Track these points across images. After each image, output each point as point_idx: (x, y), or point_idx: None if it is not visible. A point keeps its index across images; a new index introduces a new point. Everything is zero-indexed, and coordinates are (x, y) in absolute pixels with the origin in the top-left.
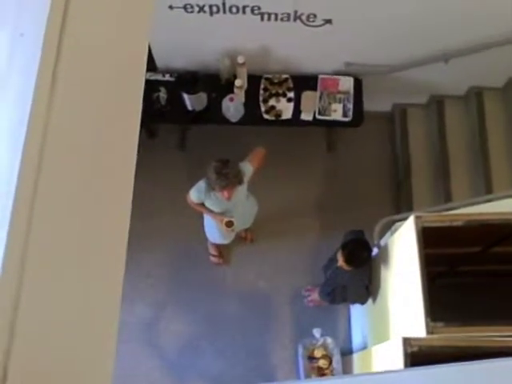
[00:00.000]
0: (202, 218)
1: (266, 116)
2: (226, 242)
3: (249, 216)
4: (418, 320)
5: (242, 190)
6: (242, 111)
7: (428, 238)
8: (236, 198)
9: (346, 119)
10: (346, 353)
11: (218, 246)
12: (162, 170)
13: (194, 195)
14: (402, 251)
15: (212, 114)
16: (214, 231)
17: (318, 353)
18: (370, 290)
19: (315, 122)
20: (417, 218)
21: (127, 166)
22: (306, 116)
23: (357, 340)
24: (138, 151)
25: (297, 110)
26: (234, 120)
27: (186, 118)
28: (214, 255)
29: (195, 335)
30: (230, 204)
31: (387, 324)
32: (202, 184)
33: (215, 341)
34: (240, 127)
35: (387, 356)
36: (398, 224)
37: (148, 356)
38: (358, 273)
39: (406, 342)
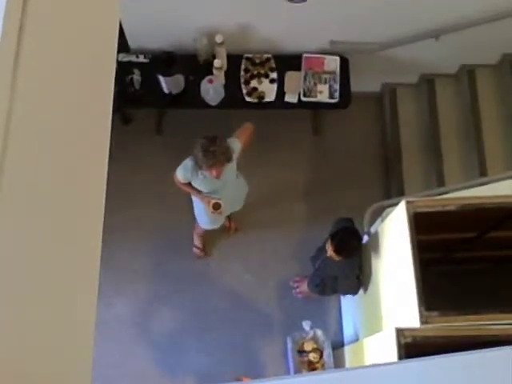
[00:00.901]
0: (184, 205)
1: (247, 98)
2: (215, 226)
3: (239, 197)
4: (412, 309)
5: (231, 169)
6: (221, 94)
7: (420, 224)
8: (225, 177)
9: (333, 101)
10: (338, 346)
11: (203, 237)
12: (138, 156)
13: (181, 174)
14: (394, 238)
15: (190, 97)
16: (203, 215)
17: (307, 346)
18: (361, 279)
19: (300, 104)
20: (408, 203)
21: (100, 153)
22: (290, 98)
23: (348, 332)
24: (112, 138)
25: (280, 92)
26: (213, 103)
27: (163, 101)
28: (197, 247)
29: (180, 331)
30: (219, 183)
31: (379, 314)
32: (188, 162)
33: (201, 336)
34: (220, 111)
35: (380, 348)
36: (388, 210)
37: (130, 354)
38: (349, 263)
39: (400, 332)
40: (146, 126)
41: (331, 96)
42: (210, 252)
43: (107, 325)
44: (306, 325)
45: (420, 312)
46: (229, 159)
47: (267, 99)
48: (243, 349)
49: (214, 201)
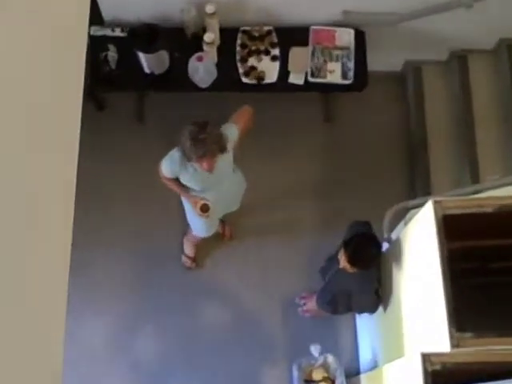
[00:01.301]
0: (171, 204)
1: (244, 79)
2: (211, 233)
3: (236, 195)
4: (441, 330)
5: (226, 160)
6: (213, 74)
7: (451, 229)
8: (220, 171)
9: (346, 82)
10: (352, 374)
11: (196, 246)
12: (115, 148)
13: (167, 168)
14: (419, 245)
15: (176, 77)
16: (197, 220)
17: (317, 375)
18: (381, 295)
19: (307, 86)
20: (436, 203)
21: (68, 146)
22: (295, 79)
23: (365, 357)
24: (84, 127)
25: (284, 72)
26: (203, 85)
27: (143, 83)
28: (188, 257)
29: (164, 355)
30: (213, 179)
31: (402, 336)
32: (175, 153)
33: (189, 361)
34: (212, 94)
35: (403, 376)
36: (412, 212)
37: (106, 381)
38: (365, 275)
39: (426, 358)
40: (124, 112)
41: (344, 76)
42: (202, 263)
43: (80, 345)
44: (315, 349)
45: (450, 333)
46: (222, 149)
47: (268, 80)
48: (240, 378)
49: (202, 201)
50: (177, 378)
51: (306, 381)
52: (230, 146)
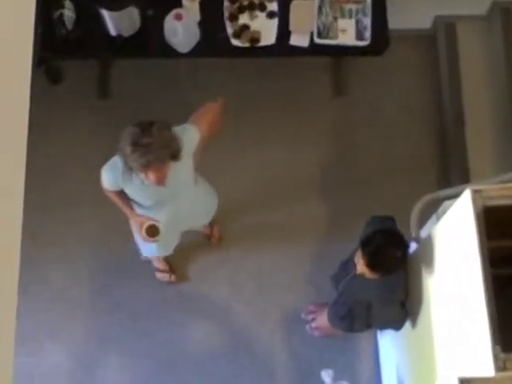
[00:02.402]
0: None
1: (234, 42)
2: (162, 254)
3: (201, 211)
4: (483, 350)
5: (184, 170)
6: (196, 35)
7: (494, 224)
8: (175, 182)
9: (362, 43)
10: None
11: (164, 258)
12: (74, 131)
13: (107, 179)
14: (455, 245)
15: (149, 40)
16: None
17: None
18: (407, 307)
19: (313, 48)
20: (475, 192)
21: (15, 130)
22: (298, 40)
23: None
24: (35, 104)
25: (284, 32)
26: (183, 50)
27: (108, 48)
28: (160, 270)
29: None
30: (167, 192)
31: (434, 358)
32: (117, 161)
33: None
34: (194, 61)
35: None
36: (446, 204)
37: None
38: (388, 282)
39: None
40: (85, 85)
41: (359, 36)
42: (184, 273)
43: (34, 380)
44: (327, 375)
45: (495, 354)
46: (175, 156)
47: (264, 42)
48: None
49: (148, 223)
50: None
51: None
52: (188, 152)
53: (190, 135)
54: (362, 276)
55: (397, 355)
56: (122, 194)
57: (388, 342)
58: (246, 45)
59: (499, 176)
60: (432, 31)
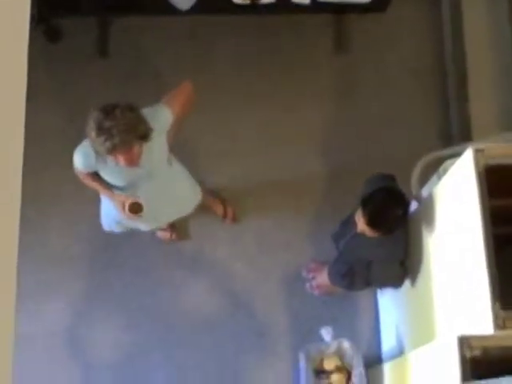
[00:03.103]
0: None
1: None
2: (118, 230)
3: (178, 195)
4: (482, 308)
5: (157, 149)
6: None
7: (495, 183)
8: (150, 163)
9: (364, 0)
10: (373, 362)
11: None
12: (73, 89)
13: (80, 162)
14: (456, 204)
15: None
16: (109, 213)
17: (329, 364)
18: (407, 265)
19: (315, 5)
20: (477, 151)
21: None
22: None
23: (388, 343)
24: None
25: None
26: (184, 7)
27: (107, 5)
28: (161, 228)
29: (139, 344)
30: (142, 172)
31: (434, 316)
32: (88, 144)
33: (170, 353)
34: (194, 18)
35: (435, 365)
36: (447, 163)
37: (65, 379)
38: (388, 241)
39: (464, 342)
40: (84, 43)
41: None
42: (184, 232)
43: (30, 342)
44: (327, 333)
45: (494, 311)
46: (143, 136)
47: (266, 0)
48: (233, 370)
49: (130, 200)
50: (152, 376)
51: (316, 371)
52: (160, 132)
53: (162, 116)
54: (362, 234)
55: (396, 313)
56: (96, 175)
57: (388, 300)
58: (247, 2)
59: (501, 135)
60: None
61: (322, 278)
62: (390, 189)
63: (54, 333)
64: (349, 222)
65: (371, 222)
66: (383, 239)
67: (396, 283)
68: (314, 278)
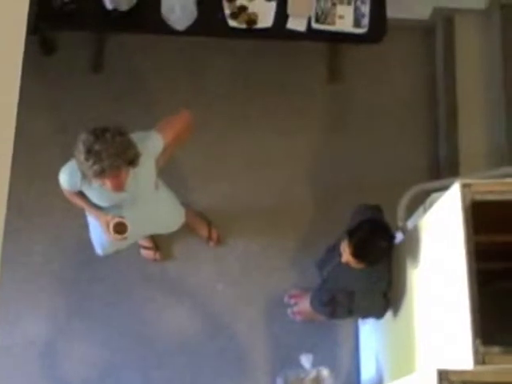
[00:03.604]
0: None
1: (231, 23)
2: (107, 252)
3: (162, 217)
4: (463, 343)
5: (143, 175)
6: (193, 13)
7: (481, 219)
8: (135, 188)
9: (359, 30)
10: None
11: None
12: (65, 102)
13: (65, 181)
14: (441, 238)
15: (145, 16)
16: (100, 234)
17: None
18: (390, 297)
19: (311, 33)
20: (464, 186)
21: (4, 102)
22: (295, 24)
23: (368, 372)
24: (26, 74)
25: (281, 15)
26: (180, 27)
27: (104, 21)
28: (145, 247)
29: (115, 365)
30: (126, 197)
31: (414, 348)
32: (75, 164)
33: (147, 374)
34: (190, 40)
35: None
36: (434, 196)
37: None
38: (372, 272)
39: (443, 375)
40: (78, 58)
41: (357, 23)
42: (168, 252)
43: (12, 350)
44: (306, 360)
45: (475, 347)
46: (131, 162)
47: (261, 25)
48: None
49: (115, 220)
50: None
51: None
52: (149, 158)
53: (152, 141)
54: (347, 264)
55: (377, 343)
56: (81, 194)
57: (369, 330)
58: (243, 26)
59: (489, 171)
60: (430, 22)
61: (304, 304)
62: (376, 221)
63: (31, 344)
64: (334, 250)
65: (356, 253)
66: (367, 270)
67: (378, 314)
68: (295, 304)
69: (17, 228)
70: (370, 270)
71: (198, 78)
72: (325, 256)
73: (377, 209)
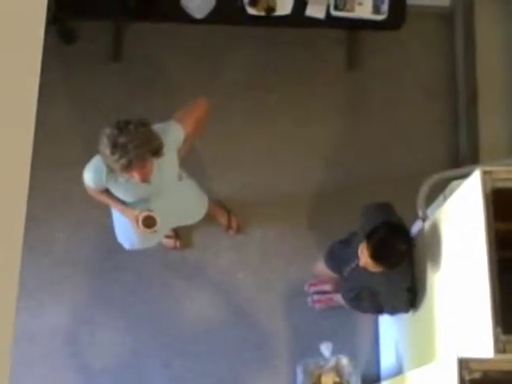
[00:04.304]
0: None
1: (250, 10)
2: (141, 246)
3: (186, 208)
4: (483, 332)
5: (168, 166)
6: (212, 1)
7: (502, 207)
8: (160, 179)
9: (379, 17)
10: (371, 380)
11: None
12: (85, 92)
13: (91, 178)
14: (461, 226)
15: (164, 4)
16: (126, 230)
17: (327, 379)
18: (416, 291)
19: (329, 21)
20: (485, 173)
21: (27, 89)
22: (314, 11)
23: (387, 361)
24: (47, 63)
25: (300, 2)
26: (199, 15)
27: (123, 10)
28: (165, 235)
29: (137, 353)
30: (152, 189)
31: (435, 337)
32: (100, 161)
33: (168, 363)
34: (209, 27)
35: None
36: (454, 183)
37: (61, 379)
38: (393, 274)
39: (464, 364)
40: (98, 47)
41: (376, 10)
42: (189, 240)
43: (34, 339)
44: (326, 348)
45: (495, 335)
46: (156, 152)
47: (280, 12)
48: (230, 381)
49: (144, 213)
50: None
51: None
52: (171, 148)
53: (173, 132)
54: (364, 269)
55: (397, 332)
56: (106, 191)
57: (389, 318)
58: (262, 14)
59: (509, 158)
60: (450, 9)
61: (324, 287)
62: (394, 223)
63: (54, 333)
64: (348, 246)
65: (374, 257)
66: (387, 273)
67: (405, 310)
68: (315, 292)
69: (37, 216)
70: (390, 273)
71: (217, 66)
72: (338, 251)
73: (387, 207)
